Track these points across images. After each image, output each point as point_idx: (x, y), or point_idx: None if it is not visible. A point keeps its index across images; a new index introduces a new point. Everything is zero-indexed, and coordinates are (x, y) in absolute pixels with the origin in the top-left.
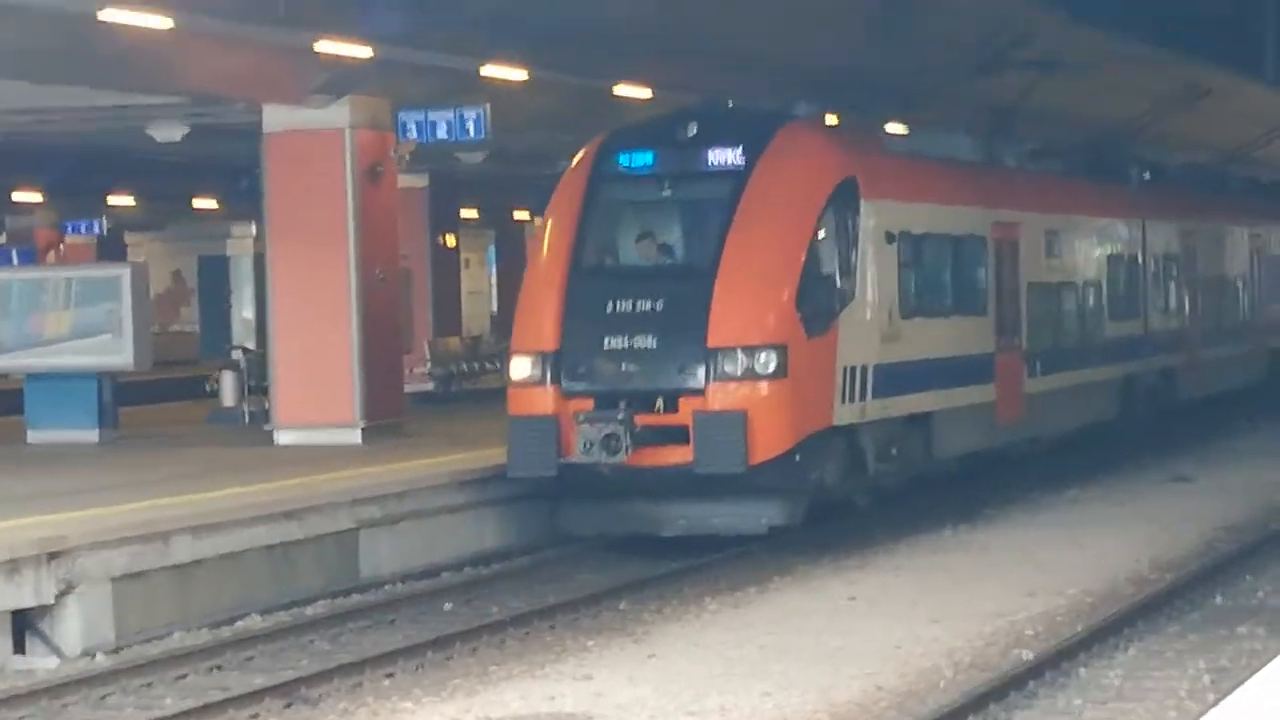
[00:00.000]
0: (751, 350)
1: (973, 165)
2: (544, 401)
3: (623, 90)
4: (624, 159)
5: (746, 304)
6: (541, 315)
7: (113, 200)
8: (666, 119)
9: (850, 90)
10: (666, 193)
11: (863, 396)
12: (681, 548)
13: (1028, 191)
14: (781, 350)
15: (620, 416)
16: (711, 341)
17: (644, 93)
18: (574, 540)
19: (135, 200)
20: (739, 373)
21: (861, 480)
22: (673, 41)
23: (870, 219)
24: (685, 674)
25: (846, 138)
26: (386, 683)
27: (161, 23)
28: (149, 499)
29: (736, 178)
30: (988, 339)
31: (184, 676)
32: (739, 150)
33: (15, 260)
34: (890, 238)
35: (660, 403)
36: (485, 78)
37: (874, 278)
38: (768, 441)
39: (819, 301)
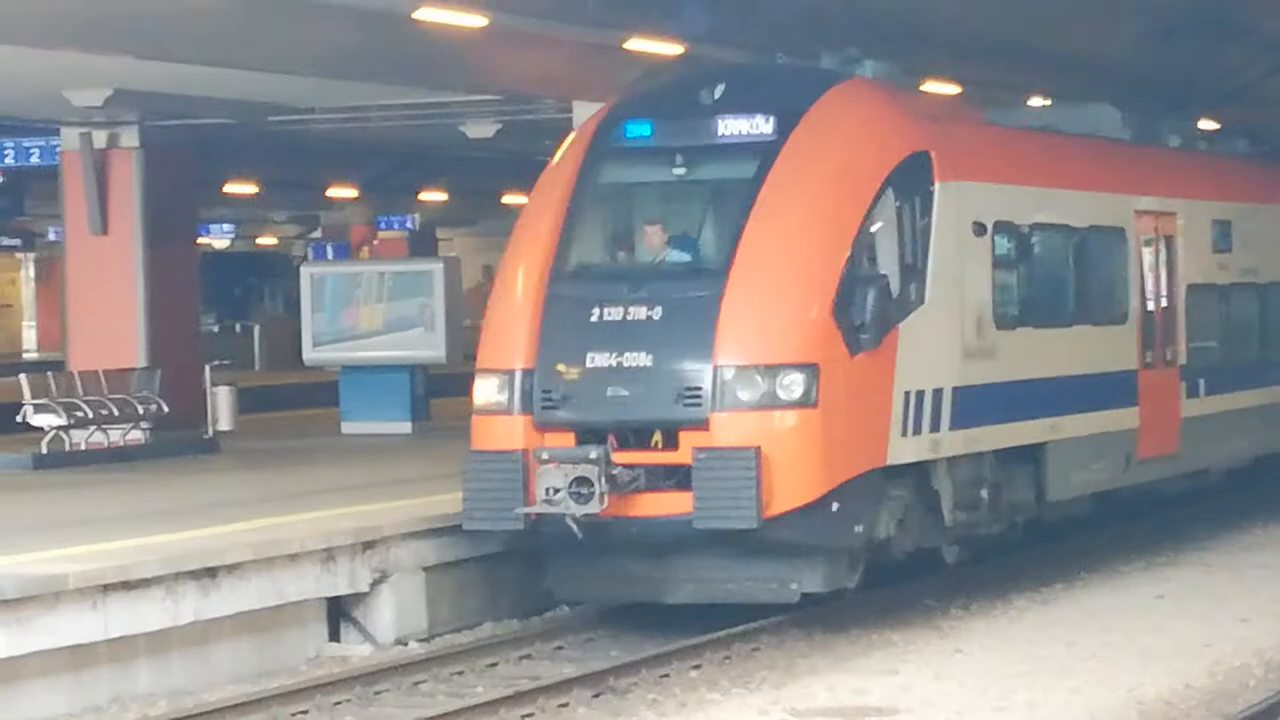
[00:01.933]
0: (771, 371)
1: (1107, 143)
2: (509, 434)
3: (931, 87)
4: (629, 130)
5: (766, 312)
6: (511, 325)
7: (425, 196)
8: (692, 79)
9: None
10: (677, 172)
11: (935, 427)
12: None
13: (1187, 174)
14: (810, 371)
15: (593, 455)
16: (719, 359)
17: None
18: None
19: (447, 196)
20: (755, 399)
21: (936, 531)
22: (1001, 37)
23: (949, 205)
24: (992, 670)
25: (919, 102)
26: (694, 674)
27: (475, 21)
28: (460, 491)
29: (764, 151)
30: (1128, 353)
31: (494, 665)
32: (770, 117)
33: (330, 255)
34: (980, 229)
35: (658, 437)
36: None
37: (953, 279)
38: (791, 487)
39: (868, 309)
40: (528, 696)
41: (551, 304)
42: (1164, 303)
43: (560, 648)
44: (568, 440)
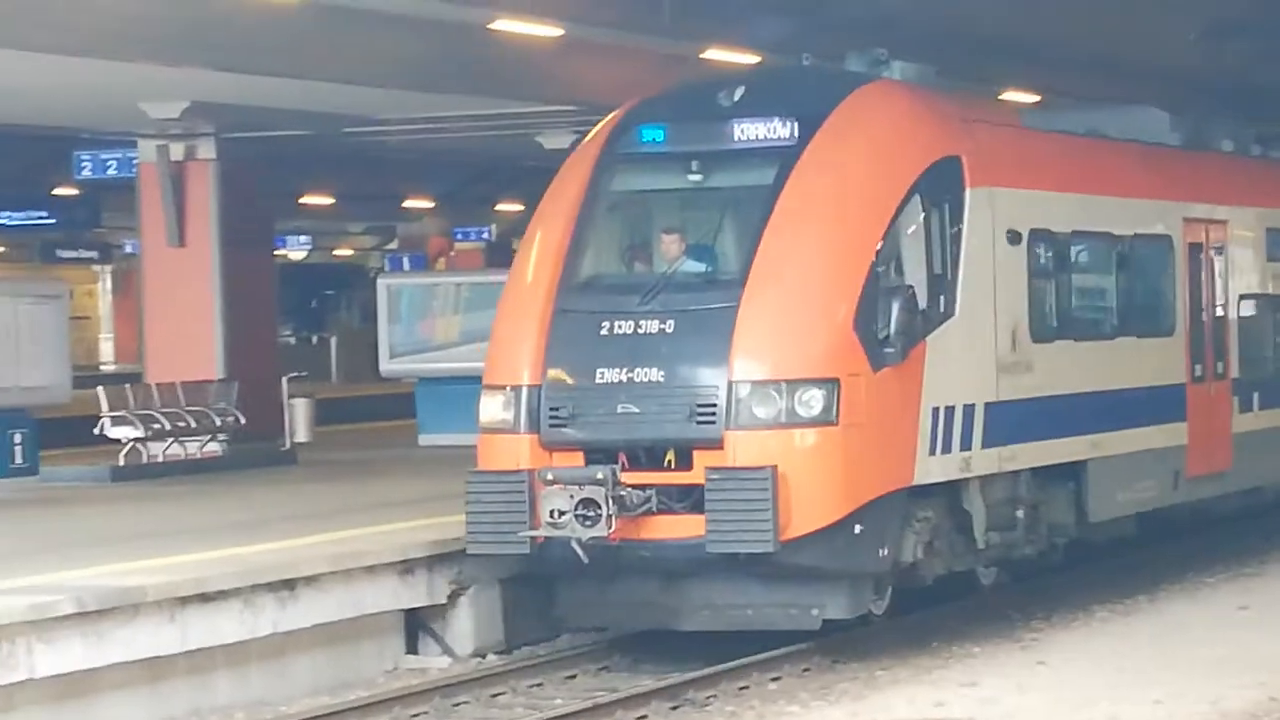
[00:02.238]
0: (789, 386)
1: (1153, 148)
2: (515, 453)
3: (1011, 96)
4: (643, 135)
5: (783, 324)
6: (518, 339)
7: (501, 207)
8: (711, 82)
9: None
10: (692, 178)
11: (965, 445)
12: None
13: (1239, 180)
14: (831, 386)
15: (600, 475)
16: (735, 374)
17: (1032, 99)
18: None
19: (523, 206)
20: (772, 417)
21: (969, 554)
22: (1065, 48)
23: (982, 212)
24: (1074, 682)
25: (949, 104)
26: (773, 686)
27: (550, 32)
28: None
29: (783, 157)
30: (1175, 366)
31: (573, 677)
32: (790, 121)
33: (406, 266)
34: (1015, 237)
35: (671, 456)
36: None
37: (986, 289)
38: (810, 509)
39: (893, 321)
40: (606, 709)
41: (560, 317)
42: (1215, 314)
43: (638, 660)
44: (576, 460)
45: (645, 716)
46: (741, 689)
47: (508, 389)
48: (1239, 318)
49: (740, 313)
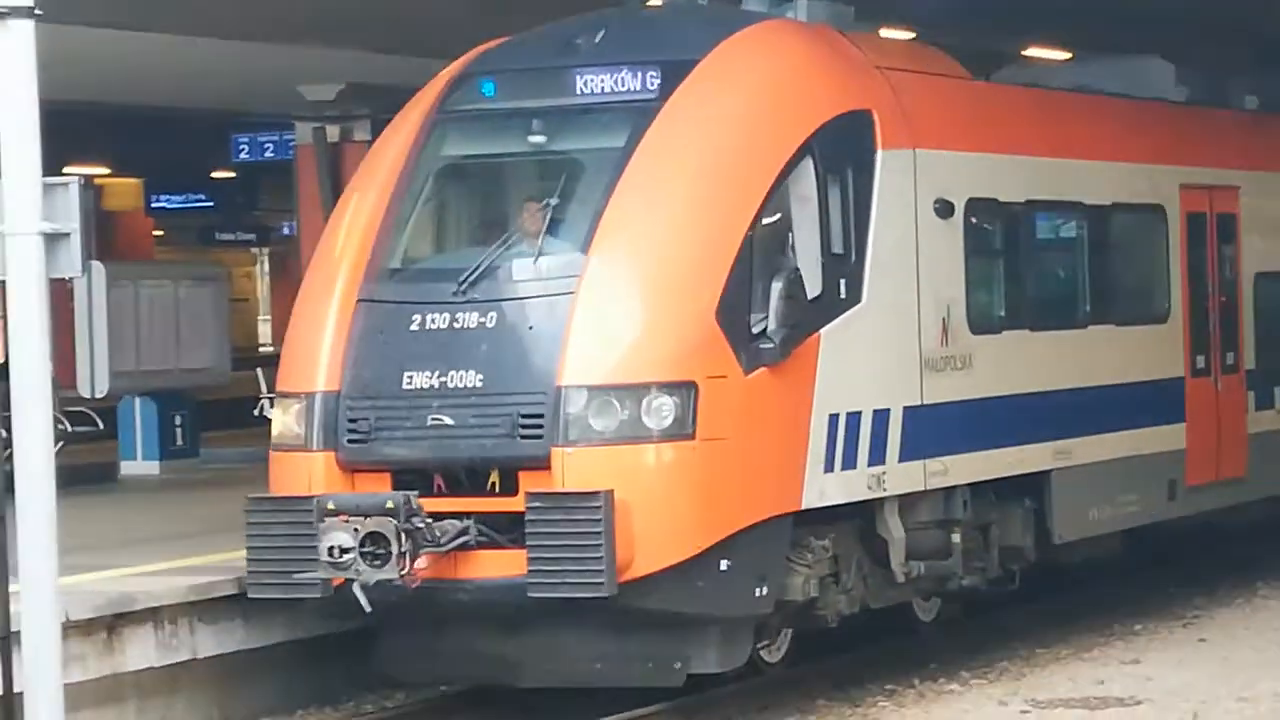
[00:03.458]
0: (633, 393)
1: (1142, 103)
2: (306, 474)
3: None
4: (484, 89)
5: (627, 317)
6: (314, 337)
7: None
8: (577, 23)
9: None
10: (533, 140)
11: (876, 458)
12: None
13: (1255, 141)
14: (685, 392)
15: (390, 504)
16: (565, 377)
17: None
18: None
19: None
20: (611, 430)
21: (888, 587)
22: None
23: (899, 178)
24: (1236, 659)
25: (866, 49)
26: (933, 664)
27: None
28: None
29: (639, 113)
30: (1170, 359)
31: None
32: (649, 70)
33: None
34: (945, 209)
35: (495, 477)
36: (1027, 58)
37: (906, 272)
38: (660, 542)
39: (771, 311)
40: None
41: (364, 310)
42: (1221, 296)
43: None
44: (383, 483)
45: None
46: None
47: (300, 397)
48: (1255, 300)
49: (576, 302)
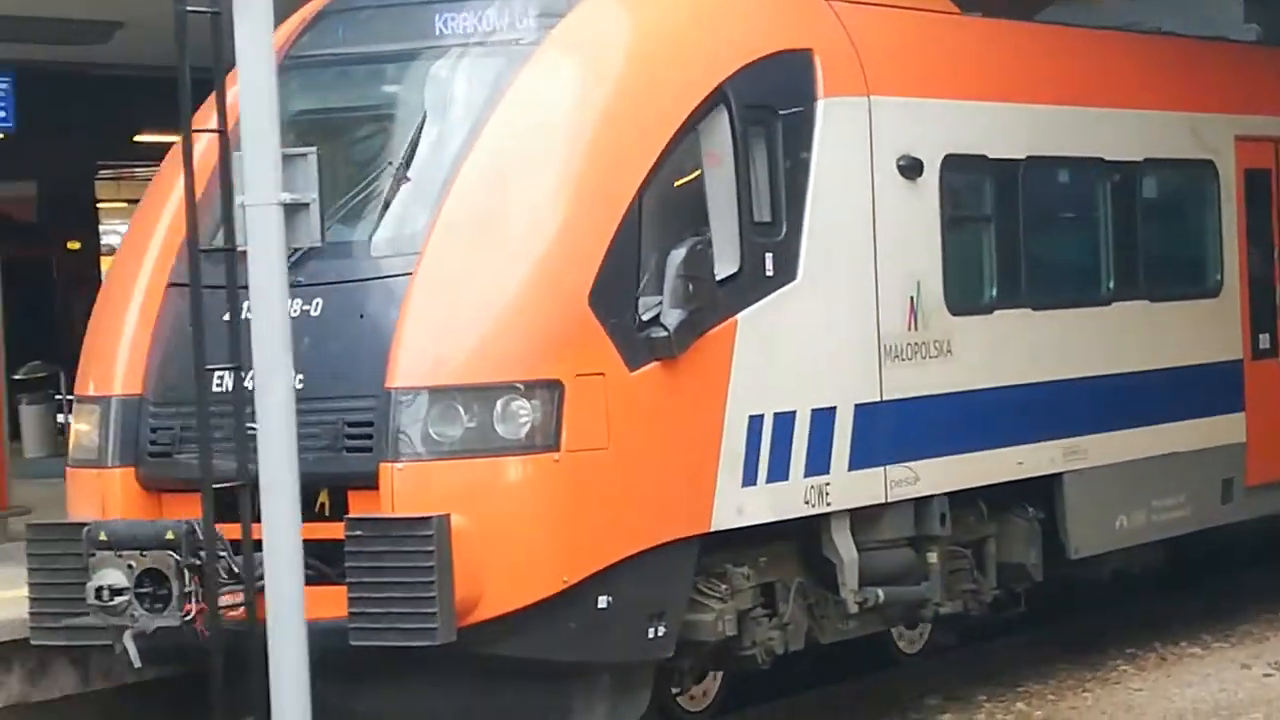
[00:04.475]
0: (482, 394)
1: (1188, 43)
2: (98, 495)
3: None
4: (317, 36)
5: (476, 301)
6: (113, 331)
7: None
8: None
9: None
10: (382, 91)
11: (817, 467)
12: None
13: None
14: (548, 393)
15: (170, 534)
16: (399, 376)
17: None
18: None
19: None
20: (455, 440)
21: (838, 619)
22: None
23: (848, 131)
24: None
25: None
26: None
27: None
28: None
29: (507, 58)
30: (1225, 339)
31: None
32: (525, 5)
33: None
34: (913, 168)
35: (324, 497)
36: None
37: (857, 242)
38: (515, 577)
39: (669, 291)
40: None
41: (174, 297)
42: None
43: None
44: (192, 506)
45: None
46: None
47: (94, 401)
48: None
49: (414, 285)
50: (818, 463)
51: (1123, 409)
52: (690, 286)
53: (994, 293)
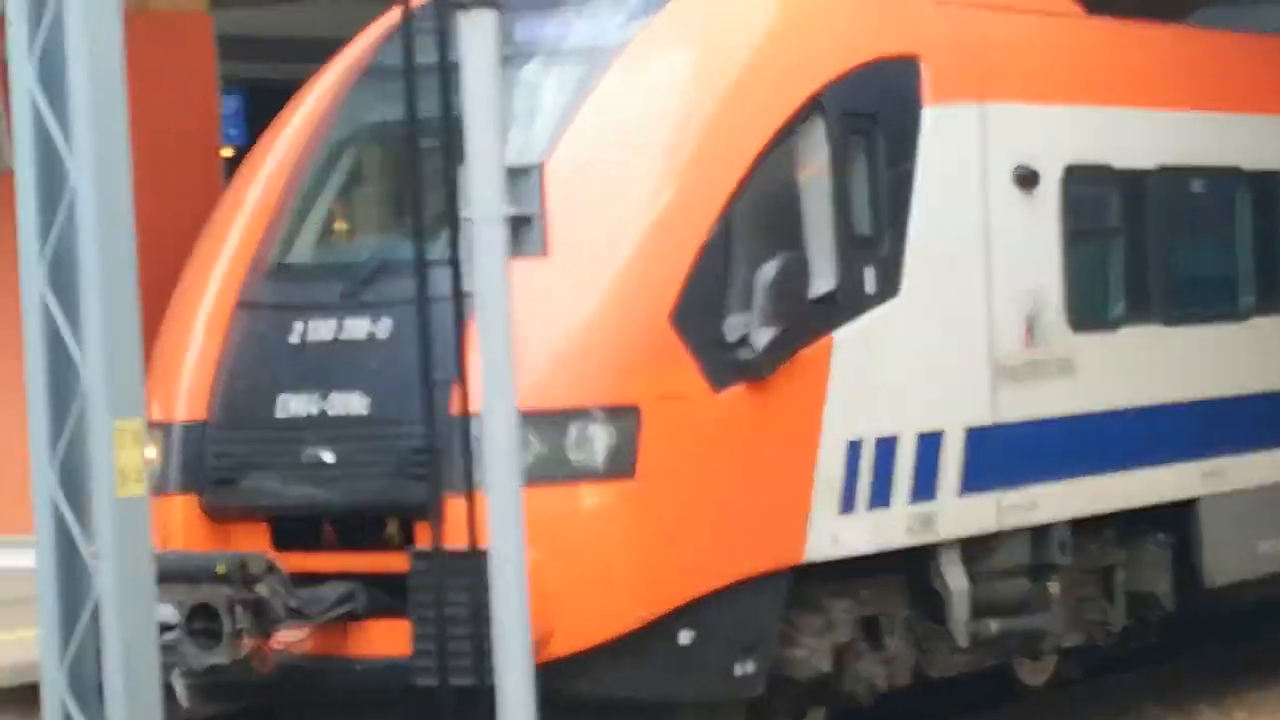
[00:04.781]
0: (553, 419)
1: None
2: (162, 524)
3: None
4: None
5: (552, 319)
6: (178, 351)
7: None
8: None
9: None
10: (454, 104)
11: (925, 493)
12: None
13: None
14: (624, 419)
15: (221, 567)
16: (464, 404)
17: None
18: None
19: None
20: (525, 468)
21: (950, 653)
22: None
23: (957, 142)
24: None
25: None
26: None
27: None
28: None
29: (590, 63)
30: None
31: None
32: (609, 9)
33: None
34: (1028, 179)
35: (393, 527)
36: None
37: (970, 257)
38: (590, 612)
39: (759, 308)
40: None
41: (242, 317)
42: None
43: None
44: (258, 536)
45: None
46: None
47: (159, 428)
48: None
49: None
50: (923, 489)
51: (1264, 429)
52: (782, 303)
53: (1122, 308)
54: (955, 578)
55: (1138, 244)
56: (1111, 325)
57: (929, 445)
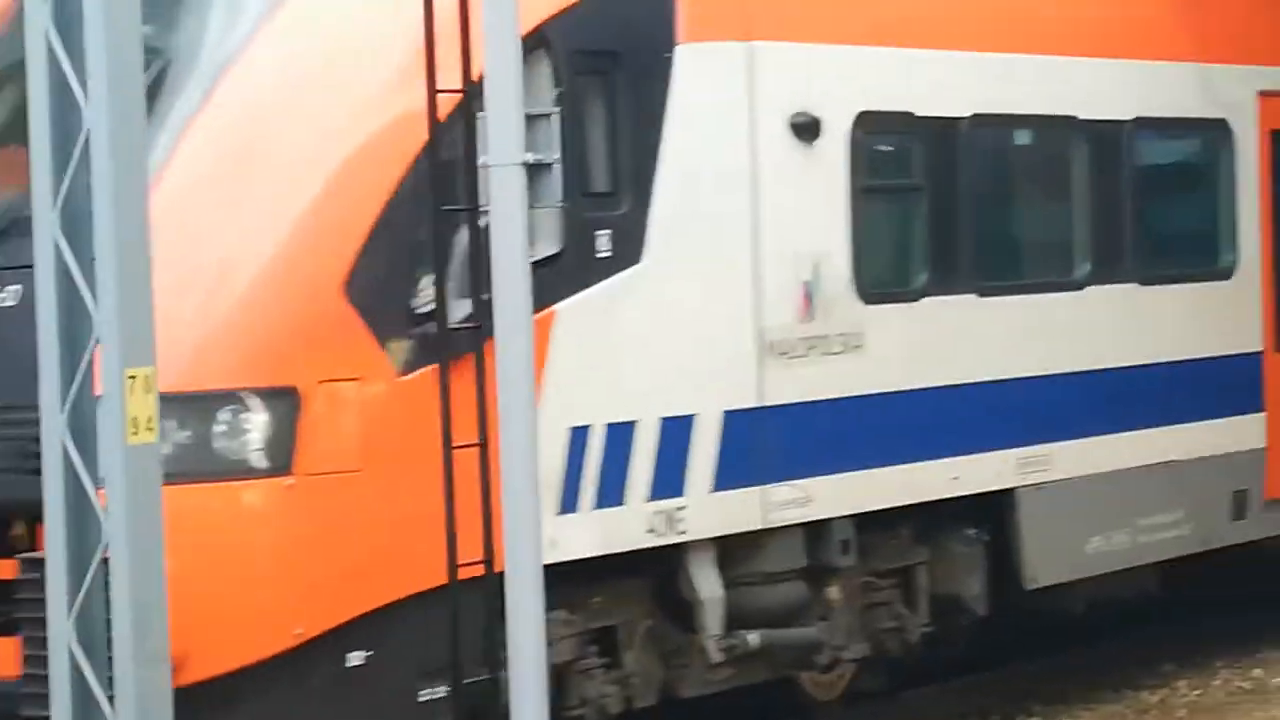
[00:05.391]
0: (194, 405)
1: None
2: None
3: None
4: None
5: (192, 288)
6: None
7: None
8: None
9: None
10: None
11: (669, 488)
12: None
13: None
14: (281, 404)
15: None
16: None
17: None
18: None
19: None
20: (164, 460)
21: (705, 669)
22: None
23: (714, 84)
24: None
25: None
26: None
27: None
28: None
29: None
30: (1241, 328)
31: None
32: None
33: None
34: (809, 128)
35: (21, 529)
36: None
37: (733, 217)
38: (237, 630)
39: (452, 276)
40: None
41: None
42: None
43: None
44: None
45: None
46: None
47: None
48: None
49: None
50: (668, 483)
51: (1102, 411)
52: (483, 270)
53: (925, 276)
54: (707, 584)
55: (945, 203)
56: (911, 296)
57: (676, 432)
